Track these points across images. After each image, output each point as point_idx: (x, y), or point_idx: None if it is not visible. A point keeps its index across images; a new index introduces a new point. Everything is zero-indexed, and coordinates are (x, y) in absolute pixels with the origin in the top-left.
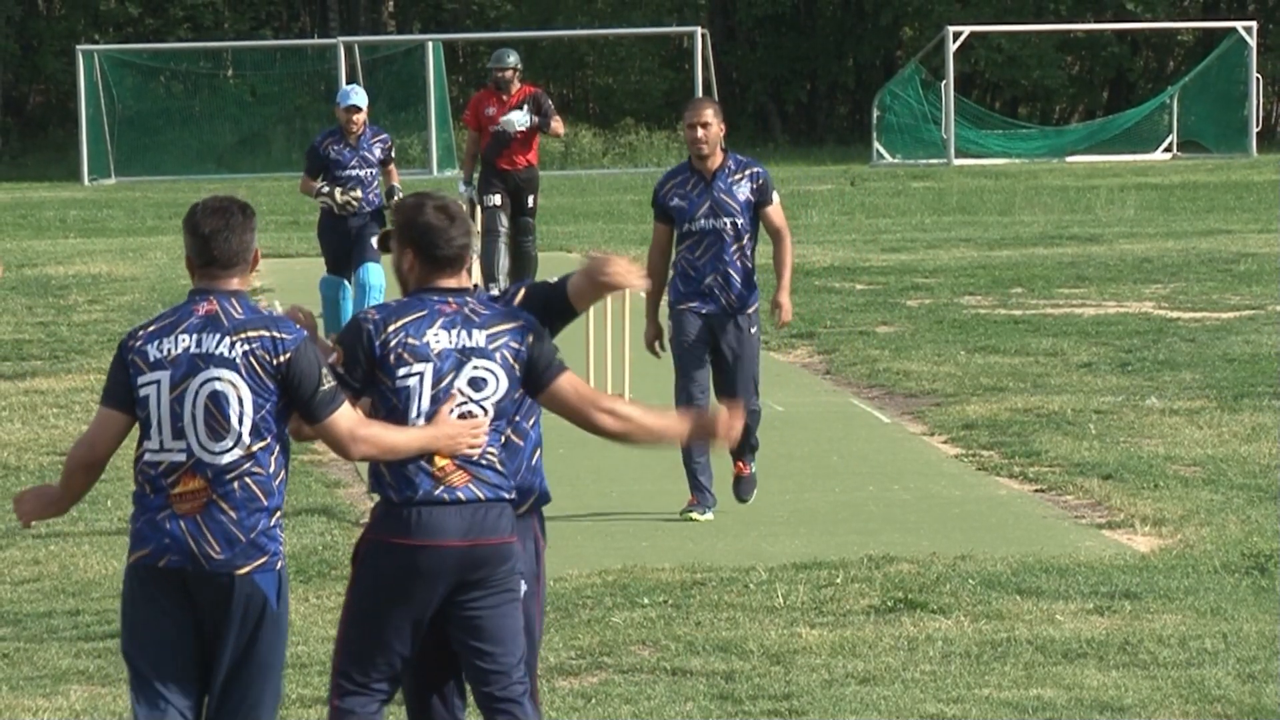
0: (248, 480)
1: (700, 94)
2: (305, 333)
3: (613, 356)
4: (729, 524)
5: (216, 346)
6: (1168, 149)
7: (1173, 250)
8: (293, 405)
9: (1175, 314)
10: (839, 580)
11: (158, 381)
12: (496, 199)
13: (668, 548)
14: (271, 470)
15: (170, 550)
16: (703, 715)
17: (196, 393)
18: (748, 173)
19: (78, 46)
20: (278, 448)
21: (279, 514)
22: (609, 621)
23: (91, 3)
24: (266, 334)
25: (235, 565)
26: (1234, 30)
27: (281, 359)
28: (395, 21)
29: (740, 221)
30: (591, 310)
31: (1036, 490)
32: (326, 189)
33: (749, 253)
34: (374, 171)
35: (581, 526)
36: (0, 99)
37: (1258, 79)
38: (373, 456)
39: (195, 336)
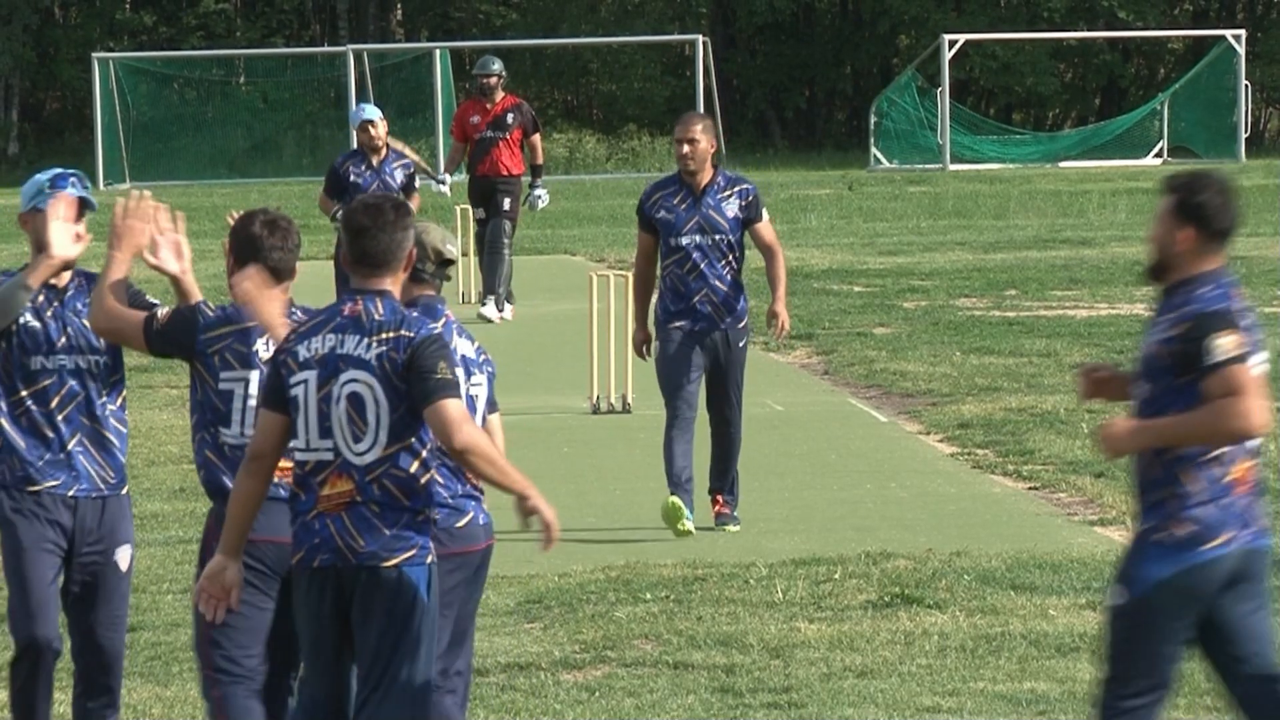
0: (386, 482)
1: (701, 100)
2: (435, 328)
3: (615, 357)
4: None
5: (355, 348)
6: (1158, 154)
7: None
8: (409, 390)
9: None
10: (837, 576)
11: (306, 381)
12: (482, 211)
13: (670, 544)
14: (413, 471)
15: (321, 550)
16: (704, 708)
17: (339, 394)
18: (737, 189)
19: (93, 54)
20: (422, 449)
21: (428, 511)
22: (612, 616)
23: (107, 11)
24: (398, 334)
25: (381, 558)
26: (1223, 38)
27: (406, 354)
28: (403, 30)
29: (729, 239)
30: (591, 309)
31: (1030, 488)
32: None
33: (737, 269)
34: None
35: (586, 523)
36: (18, 105)
37: (1246, 86)
38: (473, 451)
39: (339, 337)
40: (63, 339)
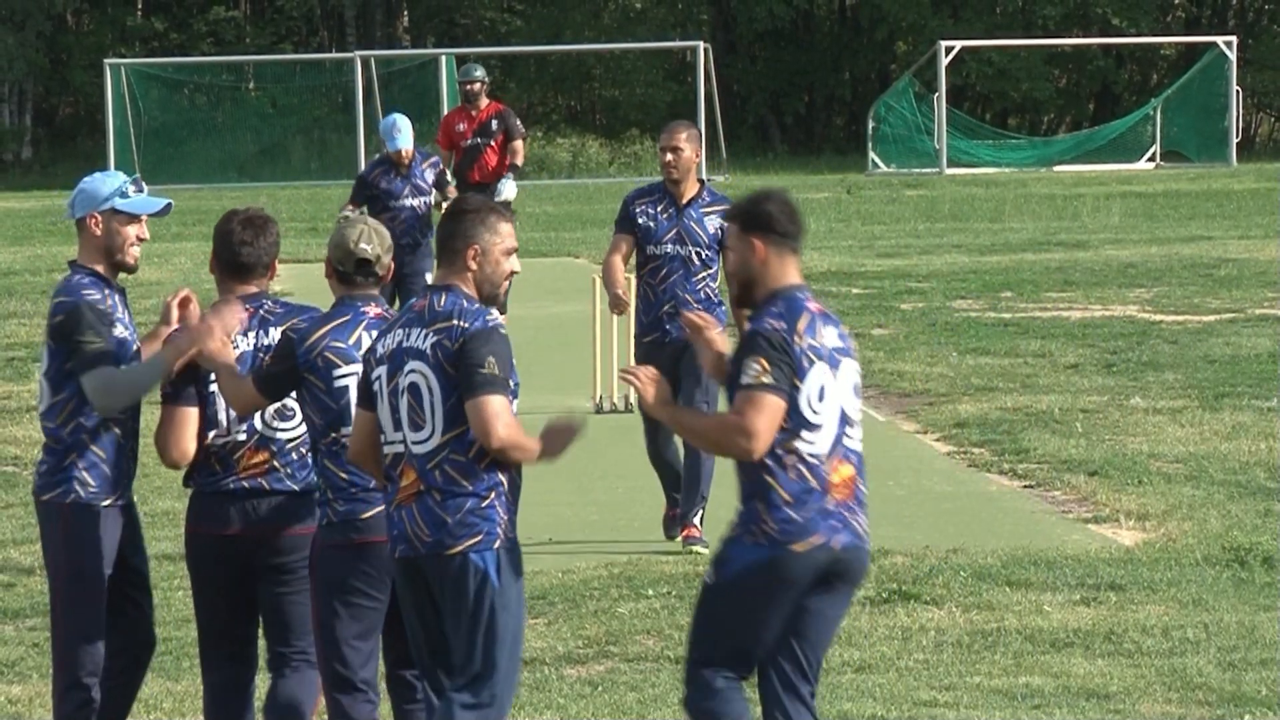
0: (447, 467)
1: (703, 105)
2: (495, 320)
3: (618, 358)
4: (730, 519)
5: (414, 339)
6: (1151, 159)
7: (1156, 256)
8: (457, 381)
9: (1158, 317)
10: None
11: (380, 377)
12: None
13: (672, 541)
14: (472, 455)
15: (399, 540)
16: None
17: (403, 386)
18: (721, 208)
19: (105, 60)
20: None
21: (493, 495)
22: (615, 612)
23: (119, 18)
24: (452, 324)
25: (445, 546)
26: (1215, 45)
27: (457, 343)
28: (410, 36)
29: (706, 254)
30: (595, 310)
31: (1025, 486)
32: (349, 213)
33: (712, 283)
34: (427, 200)
35: (589, 521)
36: (31, 110)
37: (1237, 91)
38: (510, 447)
39: (406, 331)
40: (136, 346)
